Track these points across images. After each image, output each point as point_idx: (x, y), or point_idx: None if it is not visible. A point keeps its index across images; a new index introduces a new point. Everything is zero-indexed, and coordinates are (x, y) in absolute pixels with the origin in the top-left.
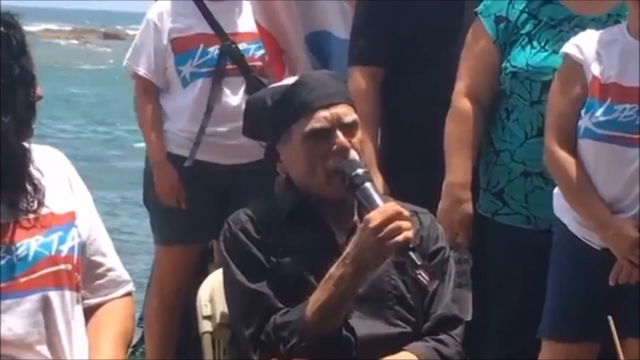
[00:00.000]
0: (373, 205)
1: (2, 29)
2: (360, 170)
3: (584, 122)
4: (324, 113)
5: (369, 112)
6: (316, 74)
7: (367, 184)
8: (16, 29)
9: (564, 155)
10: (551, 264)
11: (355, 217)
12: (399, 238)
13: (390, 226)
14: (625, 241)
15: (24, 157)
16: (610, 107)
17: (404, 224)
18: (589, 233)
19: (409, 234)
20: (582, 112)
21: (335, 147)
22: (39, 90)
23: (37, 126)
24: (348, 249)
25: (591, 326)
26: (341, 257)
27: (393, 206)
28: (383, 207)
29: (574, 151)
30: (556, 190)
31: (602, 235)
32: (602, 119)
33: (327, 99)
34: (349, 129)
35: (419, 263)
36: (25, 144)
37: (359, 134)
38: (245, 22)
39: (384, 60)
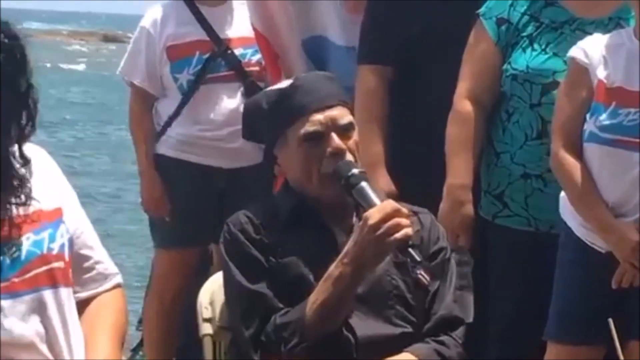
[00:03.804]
0: (370, 204)
1: (6, 40)
2: (355, 170)
3: (589, 126)
4: (319, 116)
5: (378, 111)
6: (310, 76)
7: (363, 184)
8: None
9: (569, 159)
10: (557, 267)
11: (354, 218)
12: (398, 235)
13: (389, 223)
14: (628, 245)
15: (8, 155)
16: (615, 111)
17: (403, 220)
18: (594, 236)
19: (408, 230)
20: (587, 116)
21: (330, 149)
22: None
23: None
24: (347, 247)
25: (595, 329)
26: (340, 256)
27: (391, 203)
28: (381, 205)
29: (579, 155)
30: (562, 193)
31: (605, 239)
32: (606, 123)
33: (322, 101)
34: (345, 131)
35: (418, 259)
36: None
37: (355, 136)
38: (241, 26)
39: (393, 59)
